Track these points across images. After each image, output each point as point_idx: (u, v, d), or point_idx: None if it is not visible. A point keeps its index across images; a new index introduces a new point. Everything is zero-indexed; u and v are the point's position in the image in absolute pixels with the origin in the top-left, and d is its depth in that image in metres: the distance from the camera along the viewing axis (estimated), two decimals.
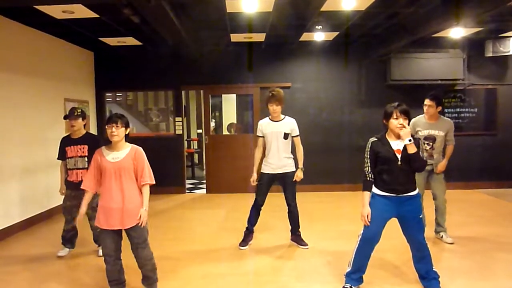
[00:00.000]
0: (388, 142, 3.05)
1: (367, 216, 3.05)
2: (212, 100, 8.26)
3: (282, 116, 4.33)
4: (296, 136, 4.34)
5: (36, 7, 4.51)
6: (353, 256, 3.19)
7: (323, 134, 7.35)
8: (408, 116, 3.00)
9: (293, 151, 4.36)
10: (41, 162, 5.55)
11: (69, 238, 4.26)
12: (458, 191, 7.10)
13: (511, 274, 3.60)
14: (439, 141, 4.34)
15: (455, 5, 4.51)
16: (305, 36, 6.53)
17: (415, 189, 3.08)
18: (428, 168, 4.35)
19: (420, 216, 3.11)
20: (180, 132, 7.56)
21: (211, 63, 7.24)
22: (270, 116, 4.35)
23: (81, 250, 4.35)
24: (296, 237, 4.39)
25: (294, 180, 4.26)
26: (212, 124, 9.23)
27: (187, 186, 7.97)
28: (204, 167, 8.04)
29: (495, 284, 3.37)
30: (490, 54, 6.98)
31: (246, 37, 6.68)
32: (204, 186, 7.80)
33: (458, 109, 7.41)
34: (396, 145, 3.03)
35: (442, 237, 4.42)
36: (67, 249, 4.27)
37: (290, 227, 4.41)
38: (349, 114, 7.36)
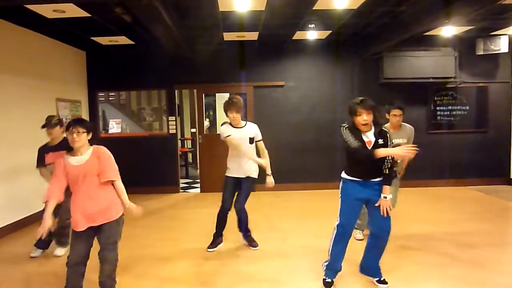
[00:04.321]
0: (360, 133, 3.09)
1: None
2: (205, 99, 8.25)
3: (243, 122, 4.21)
4: (259, 140, 4.24)
5: (27, 6, 4.48)
6: (331, 246, 3.28)
7: (316, 133, 7.38)
8: (372, 110, 3.03)
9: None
10: (31, 164, 5.43)
11: (45, 241, 4.20)
12: (449, 188, 7.18)
13: (502, 270, 3.65)
14: None
15: (446, 3, 4.55)
16: (298, 35, 6.55)
17: (380, 177, 3.14)
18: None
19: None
20: (174, 131, 7.55)
21: (204, 62, 7.23)
22: (231, 123, 4.20)
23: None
24: (247, 237, 4.39)
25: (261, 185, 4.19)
26: (206, 123, 9.22)
27: (181, 185, 7.95)
28: (198, 166, 8.03)
29: (486, 279, 3.41)
30: (481, 52, 7.05)
31: (239, 36, 6.68)
32: (198, 185, 7.79)
33: (449, 107, 7.47)
34: (366, 137, 3.09)
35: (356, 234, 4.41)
36: (40, 250, 4.27)
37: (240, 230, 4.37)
38: (341, 113, 7.31)
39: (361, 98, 3.07)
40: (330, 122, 7.37)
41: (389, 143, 3.11)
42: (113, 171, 2.94)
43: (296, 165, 7.31)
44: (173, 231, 5.12)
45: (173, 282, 3.50)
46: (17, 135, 5.27)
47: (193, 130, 10.70)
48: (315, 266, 3.70)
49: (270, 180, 4.15)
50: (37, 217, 5.62)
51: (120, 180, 2.95)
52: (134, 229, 4.86)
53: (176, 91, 7.68)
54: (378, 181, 3.15)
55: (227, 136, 4.09)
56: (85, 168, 2.85)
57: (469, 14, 4.77)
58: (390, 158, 3.07)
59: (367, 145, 3.06)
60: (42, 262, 4.09)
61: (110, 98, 7.79)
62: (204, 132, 7.86)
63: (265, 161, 4.16)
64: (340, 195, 3.29)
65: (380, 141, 3.08)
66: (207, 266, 3.87)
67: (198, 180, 7.88)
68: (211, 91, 8.33)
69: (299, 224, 4.50)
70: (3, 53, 5.06)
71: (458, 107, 7.49)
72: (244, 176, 4.17)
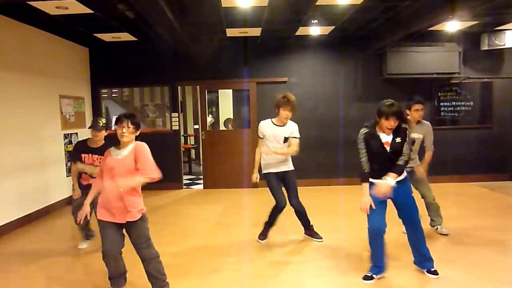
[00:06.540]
0: (378, 135, 3.16)
1: (369, 205, 3.14)
2: (208, 96, 8.23)
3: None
4: (295, 137, 4.24)
5: (29, 3, 4.47)
6: (370, 248, 3.32)
7: (319, 129, 7.36)
8: (399, 117, 3.09)
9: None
10: (37, 159, 5.53)
11: (91, 231, 4.39)
12: (454, 184, 7.15)
13: (506, 265, 3.63)
14: (417, 144, 4.34)
15: None
16: (301, 31, 6.52)
17: (403, 173, 3.23)
18: (407, 169, 4.35)
19: (412, 195, 3.29)
20: (177, 127, 7.55)
21: (207, 58, 7.21)
22: (275, 120, 4.26)
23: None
24: (309, 231, 4.42)
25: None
26: (209, 119, 9.22)
27: (184, 181, 7.98)
28: (201, 163, 8.05)
29: (489, 275, 3.40)
30: (486, 48, 6.99)
31: (241, 32, 6.66)
32: (201, 181, 7.81)
33: (453, 103, 7.43)
34: (385, 137, 3.16)
35: (437, 229, 4.46)
36: (88, 241, 4.37)
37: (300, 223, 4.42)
38: (345, 109, 7.36)
39: (391, 101, 3.10)
40: (334, 118, 7.35)
41: (406, 140, 3.17)
42: (152, 167, 2.90)
43: (299, 161, 7.28)
44: (177, 227, 5.14)
45: (177, 279, 3.50)
46: (21, 131, 5.29)
47: (196, 126, 10.72)
48: (317, 262, 3.71)
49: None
50: (44, 212, 5.68)
51: (153, 176, 2.86)
52: None
53: (179, 87, 7.67)
54: (402, 179, 3.21)
55: (260, 138, 4.27)
56: (121, 163, 2.87)
57: (474, 8, 4.73)
58: (408, 152, 3.20)
59: (385, 145, 3.14)
60: (49, 258, 4.10)
61: (113, 95, 7.81)
62: (207, 129, 7.86)
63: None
64: None
65: (398, 139, 3.14)
66: (212, 262, 3.88)
67: (201, 177, 7.89)
68: (214, 87, 8.33)
69: None
70: (6, 50, 5.07)
71: (462, 103, 7.45)
72: (281, 171, 4.22)
